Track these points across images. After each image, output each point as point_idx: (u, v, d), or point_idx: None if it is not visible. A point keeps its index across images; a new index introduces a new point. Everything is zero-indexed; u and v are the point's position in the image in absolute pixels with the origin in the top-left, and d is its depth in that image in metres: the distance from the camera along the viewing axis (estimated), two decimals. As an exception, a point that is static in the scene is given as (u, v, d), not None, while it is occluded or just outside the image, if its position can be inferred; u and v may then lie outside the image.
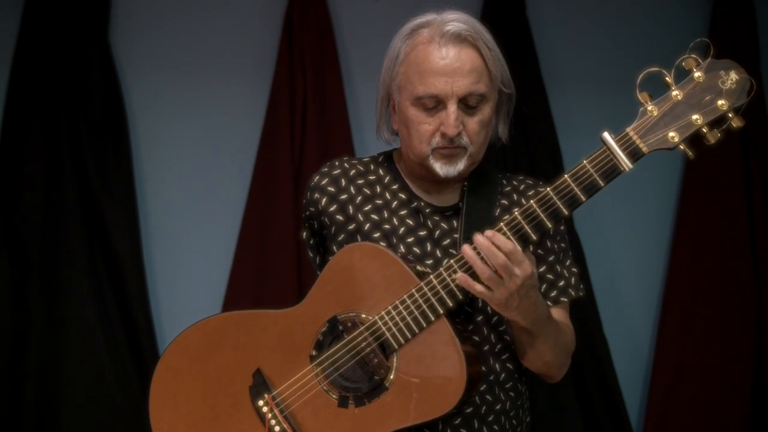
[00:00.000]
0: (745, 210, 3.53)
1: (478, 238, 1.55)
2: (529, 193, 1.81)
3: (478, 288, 1.57)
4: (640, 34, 3.49)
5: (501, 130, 1.81)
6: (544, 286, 1.77)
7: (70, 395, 3.26)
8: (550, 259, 1.78)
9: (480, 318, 1.74)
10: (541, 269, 1.77)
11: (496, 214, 1.77)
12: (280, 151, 3.37)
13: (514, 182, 1.84)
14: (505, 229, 1.57)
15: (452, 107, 1.66)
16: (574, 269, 1.81)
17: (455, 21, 1.69)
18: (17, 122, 3.29)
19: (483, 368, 1.72)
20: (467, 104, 1.68)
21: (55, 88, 3.29)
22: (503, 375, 1.75)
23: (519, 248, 1.54)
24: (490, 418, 1.74)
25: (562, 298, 1.78)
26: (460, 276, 1.57)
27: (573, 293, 1.79)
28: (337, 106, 3.42)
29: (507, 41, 3.42)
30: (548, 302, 1.76)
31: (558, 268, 1.79)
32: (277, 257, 3.36)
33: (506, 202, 1.80)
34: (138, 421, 3.12)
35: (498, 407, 1.75)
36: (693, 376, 3.53)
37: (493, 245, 1.54)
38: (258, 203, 3.37)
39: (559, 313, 1.77)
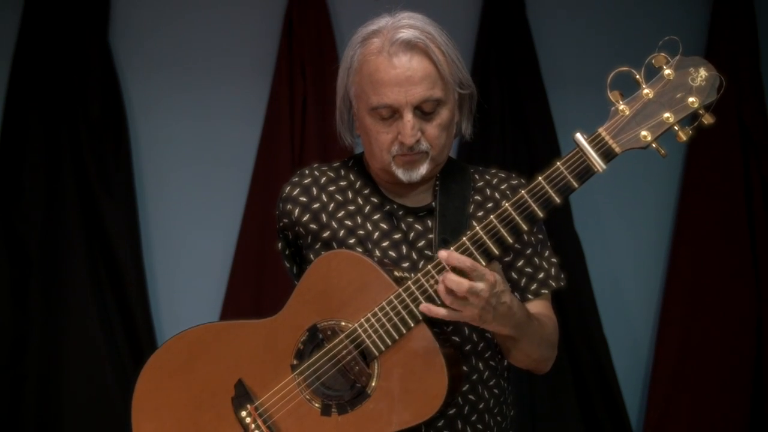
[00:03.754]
0: (745, 210, 3.53)
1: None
2: (502, 187, 1.80)
3: (443, 312, 1.55)
4: (640, 34, 3.49)
5: (464, 127, 1.78)
6: (524, 279, 1.77)
7: (70, 395, 3.26)
8: (528, 251, 1.77)
9: None
10: (519, 263, 1.77)
11: (470, 211, 1.76)
12: (280, 150, 3.38)
13: (487, 176, 1.82)
14: (481, 233, 1.56)
15: (408, 116, 1.65)
16: (553, 259, 1.80)
17: (406, 27, 1.67)
18: (17, 122, 3.29)
19: (465, 368, 1.72)
20: (423, 111, 1.67)
21: (55, 88, 3.29)
22: (486, 373, 1.75)
23: (477, 264, 1.53)
24: (474, 418, 1.74)
25: (542, 290, 1.78)
26: (423, 306, 1.56)
27: (553, 284, 1.79)
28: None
29: (507, 41, 3.47)
30: (529, 295, 1.76)
31: (536, 260, 1.78)
32: (277, 256, 3.35)
33: (479, 198, 1.79)
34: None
35: (481, 406, 1.75)
36: (693, 376, 3.53)
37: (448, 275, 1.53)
38: (258, 203, 3.37)
39: (541, 305, 1.76)
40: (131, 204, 3.36)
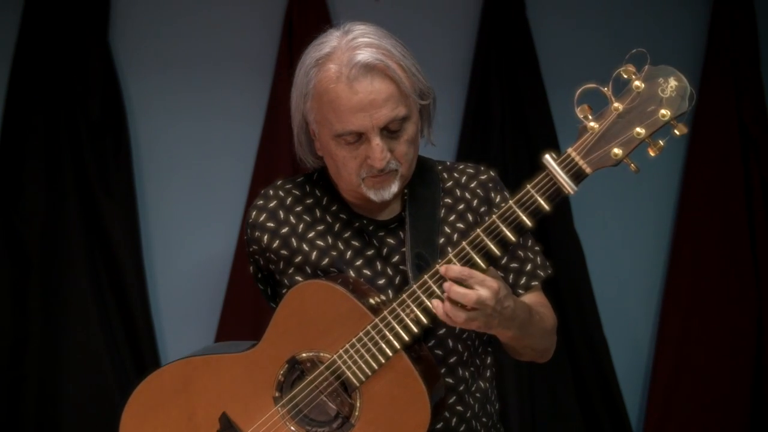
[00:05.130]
0: (745, 210, 3.53)
1: (445, 285, 1.52)
2: (472, 185, 1.78)
3: (462, 317, 1.52)
4: (640, 34, 3.49)
5: (426, 132, 1.75)
6: (512, 275, 1.75)
7: (70, 395, 3.26)
8: (510, 246, 1.76)
9: (442, 331, 1.71)
10: (504, 260, 1.75)
11: (441, 216, 1.74)
12: (280, 150, 3.37)
13: (455, 174, 1.80)
14: (454, 260, 1.54)
15: (376, 140, 1.62)
16: (536, 248, 1.79)
17: (362, 47, 1.62)
18: (17, 122, 3.29)
19: (451, 380, 1.71)
20: (390, 130, 1.63)
21: (55, 88, 3.29)
22: (470, 380, 1.75)
23: (476, 272, 1.51)
24: (462, 428, 1.74)
25: (532, 283, 1.76)
26: (436, 303, 1.52)
27: (542, 273, 1.78)
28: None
29: (507, 41, 3.47)
30: (520, 290, 1.75)
31: (521, 253, 1.77)
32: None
33: (450, 201, 1.77)
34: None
35: (468, 414, 1.74)
36: (693, 376, 3.53)
37: (453, 286, 1.50)
38: (258, 203, 3.37)
39: (534, 297, 1.75)
40: (131, 204, 3.35)
